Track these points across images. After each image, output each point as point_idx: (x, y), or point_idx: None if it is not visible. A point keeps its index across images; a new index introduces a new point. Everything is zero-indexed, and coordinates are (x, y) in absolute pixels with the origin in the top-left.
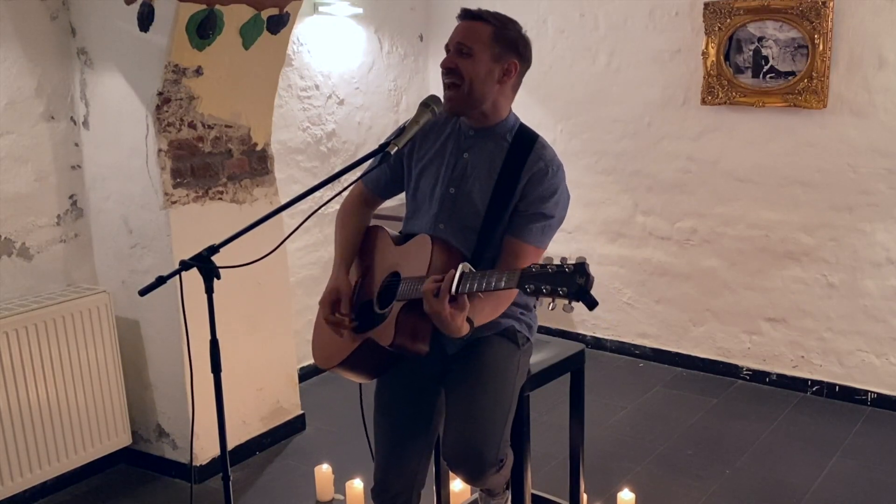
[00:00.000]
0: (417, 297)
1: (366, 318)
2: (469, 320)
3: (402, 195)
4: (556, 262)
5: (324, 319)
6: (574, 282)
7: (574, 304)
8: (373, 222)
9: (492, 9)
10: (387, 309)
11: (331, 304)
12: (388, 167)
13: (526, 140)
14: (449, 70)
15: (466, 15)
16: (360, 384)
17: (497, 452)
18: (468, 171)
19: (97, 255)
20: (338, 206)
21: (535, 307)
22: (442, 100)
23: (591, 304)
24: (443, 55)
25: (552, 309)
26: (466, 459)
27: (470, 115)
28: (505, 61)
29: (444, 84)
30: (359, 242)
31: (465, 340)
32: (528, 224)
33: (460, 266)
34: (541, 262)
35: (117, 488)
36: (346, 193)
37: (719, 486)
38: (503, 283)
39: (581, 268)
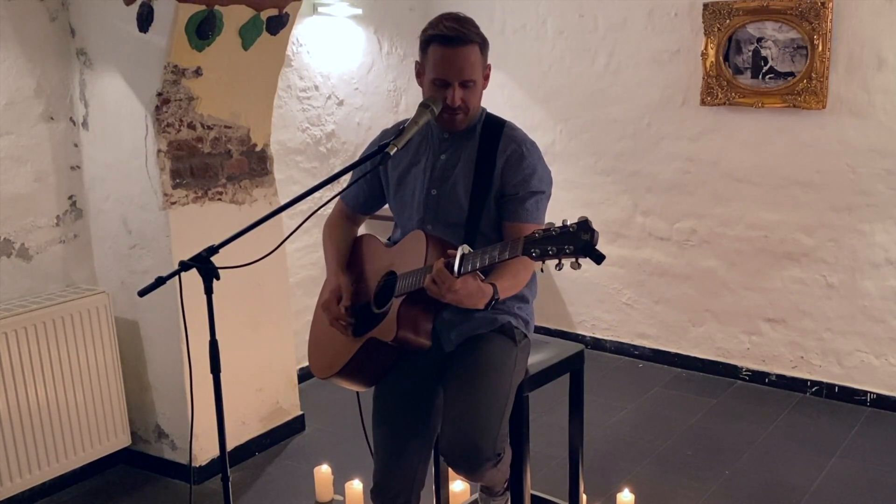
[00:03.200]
0: (417, 287)
1: (363, 321)
2: (494, 286)
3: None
4: (558, 224)
5: (333, 320)
6: (580, 238)
7: (581, 260)
8: (369, 223)
9: (491, 10)
10: (386, 307)
11: (338, 302)
12: (366, 183)
13: (494, 127)
14: (458, 107)
15: (456, 41)
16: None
17: (494, 447)
18: (446, 170)
19: (96, 255)
20: None
21: (531, 302)
22: (438, 121)
23: (599, 258)
24: None
25: (559, 269)
26: (463, 454)
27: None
28: (485, 69)
29: (447, 114)
30: (349, 250)
31: (464, 337)
32: (522, 205)
33: (459, 248)
34: (542, 228)
35: (117, 489)
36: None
37: (719, 487)
38: (507, 254)
39: (585, 225)
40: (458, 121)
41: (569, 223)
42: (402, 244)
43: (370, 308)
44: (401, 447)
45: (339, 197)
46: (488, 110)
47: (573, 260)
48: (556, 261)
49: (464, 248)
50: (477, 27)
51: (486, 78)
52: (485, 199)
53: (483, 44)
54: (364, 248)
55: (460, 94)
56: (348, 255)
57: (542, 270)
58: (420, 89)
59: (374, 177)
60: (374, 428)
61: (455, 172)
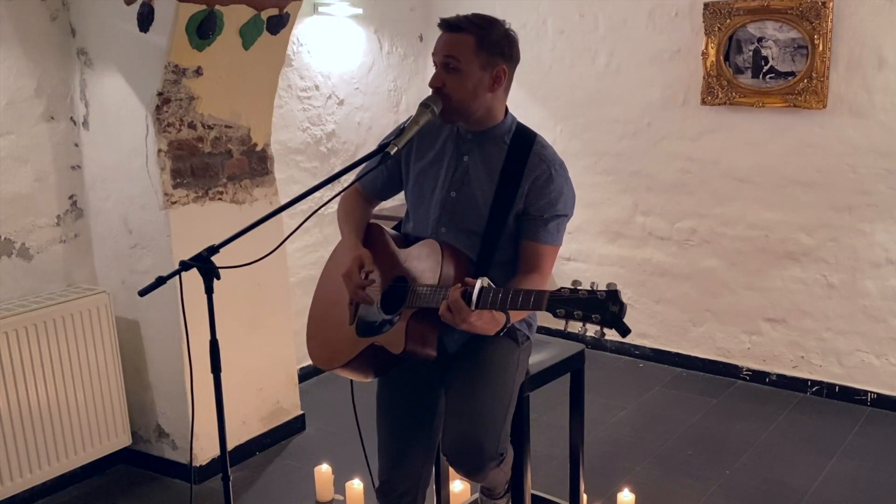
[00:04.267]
0: (429, 306)
1: (368, 321)
2: (507, 314)
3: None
4: (586, 286)
5: (356, 288)
6: (607, 309)
7: (606, 330)
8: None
9: (492, 10)
10: (395, 315)
11: (359, 269)
12: (386, 169)
13: (524, 140)
14: (437, 89)
15: (446, 26)
16: (352, 382)
17: (497, 446)
18: (469, 174)
19: (97, 255)
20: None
21: None
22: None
23: (625, 332)
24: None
25: (583, 334)
26: (466, 453)
27: (465, 122)
28: (493, 68)
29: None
30: (365, 229)
31: (467, 338)
32: (544, 226)
33: (479, 281)
34: (570, 285)
35: (117, 489)
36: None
37: (719, 486)
38: (531, 304)
39: (614, 295)
40: (442, 108)
41: (598, 289)
42: (415, 249)
43: (376, 309)
44: (405, 447)
45: (354, 179)
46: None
47: (598, 329)
48: (581, 324)
49: (483, 281)
50: (488, 25)
51: (496, 80)
52: (506, 214)
53: (483, 38)
54: (372, 238)
55: (441, 75)
56: (364, 231)
57: (564, 329)
58: (422, 89)
59: (394, 164)
60: (378, 428)
61: (477, 178)
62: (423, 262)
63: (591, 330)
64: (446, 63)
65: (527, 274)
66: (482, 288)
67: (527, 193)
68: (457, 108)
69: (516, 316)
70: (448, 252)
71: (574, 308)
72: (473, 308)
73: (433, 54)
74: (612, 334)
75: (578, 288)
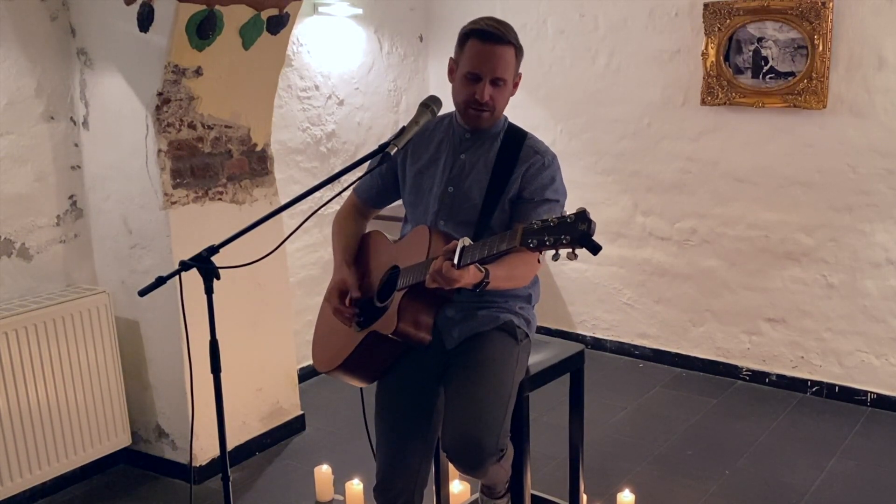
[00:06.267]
0: (418, 280)
1: (367, 315)
2: (486, 270)
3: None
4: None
5: (333, 311)
6: (576, 228)
7: (578, 251)
8: (374, 223)
9: (492, 10)
10: (388, 300)
11: (339, 294)
12: (381, 176)
13: (516, 136)
14: (485, 104)
15: (495, 38)
16: (362, 390)
17: (497, 442)
18: (465, 170)
19: (97, 255)
20: (338, 207)
21: (533, 305)
22: (464, 116)
23: (595, 248)
24: (447, 59)
25: (556, 259)
26: (466, 449)
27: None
28: (517, 76)
29: (473, 110)
30: (357, 245)
31: (465, 335)
32: (535, 210)
33: (460, 241)
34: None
35: (117, 489)
36: (345, 194)
37: (719, 487)
38: (505, 245)
39: (582, 215)
40: (484, 118)
41: (567, 214)
42: (406, 239)
43: (373, 302)
44: (403, 446)
45: (351, 189)
46: None
47: (570, 251)
48: (554, 251)
49: (464, 241)
50: (515, 33)
51: (516, 86)
52: (497, 200)
53: (518, 49)
54: (370, 243)
55: (489, 90)
56: (356, 249)
57: (554, 259)
58: (422, 89)
59: (389, 170)
60: (377, 426)
61: (472, 172)
62: (414, 246)
63: (564, 253)
64: (497, 80)
65: (517, 254)
66: (464, 247)
67: (521, 178)
68: (495, 118)
69: (498, 280)
70: (436, 232)
71: (545, 235)
72: (458, 266)
73: (479, 66)
74: (610, 333)
75: (548, 218)
